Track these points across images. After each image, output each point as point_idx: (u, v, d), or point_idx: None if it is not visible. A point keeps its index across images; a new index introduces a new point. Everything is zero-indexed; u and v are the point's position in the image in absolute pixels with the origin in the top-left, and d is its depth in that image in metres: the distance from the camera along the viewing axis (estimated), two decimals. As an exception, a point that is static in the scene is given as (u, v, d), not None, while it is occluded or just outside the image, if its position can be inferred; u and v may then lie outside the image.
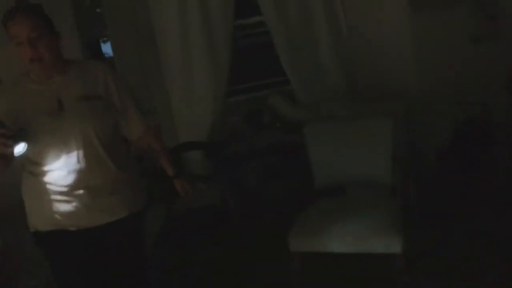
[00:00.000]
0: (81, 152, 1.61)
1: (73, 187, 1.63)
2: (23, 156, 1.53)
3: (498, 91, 3.43)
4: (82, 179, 1.63)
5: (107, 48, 4.07)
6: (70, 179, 1.62)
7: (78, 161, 1.62)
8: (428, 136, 3.37)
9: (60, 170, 1.61)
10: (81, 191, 1.64)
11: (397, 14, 3.34)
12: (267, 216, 2.99)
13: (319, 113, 3.28)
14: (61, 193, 1.63)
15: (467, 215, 2.94)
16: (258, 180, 3.11)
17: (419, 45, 3.31)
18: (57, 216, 1.65)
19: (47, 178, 1.63)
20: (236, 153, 3.23)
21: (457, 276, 2.34)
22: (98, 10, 3.88)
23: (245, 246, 2.84)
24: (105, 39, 4.09)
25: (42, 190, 1.65)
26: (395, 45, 3.41)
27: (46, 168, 1.62)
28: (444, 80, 3.38)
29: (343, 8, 3.43)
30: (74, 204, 1.64)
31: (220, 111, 3.39)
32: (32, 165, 1.65)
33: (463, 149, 3.36)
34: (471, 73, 3.39)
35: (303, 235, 2.33)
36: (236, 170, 3.12)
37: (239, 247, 2.84)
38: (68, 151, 1.60)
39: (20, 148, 1.46)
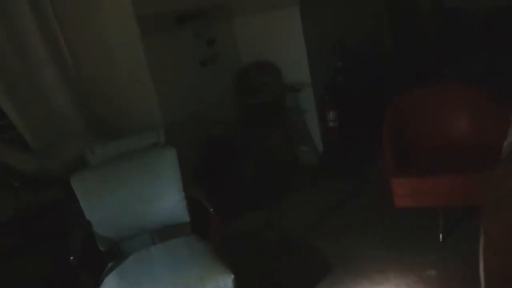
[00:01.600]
0: None
1: None
2: None
3: (232, 108, 3.76)
4: None
5: None
6: None
7: None
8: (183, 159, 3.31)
9: None
10: None
11: (128, 39, 3.11)
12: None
13: (62, 158, 2.73)
14: None
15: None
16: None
17: (156, 71, 3.19)
18: None
19: None
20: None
21: None
22: None
23: None
24: None
25: None
26: (132, 74, 3.18)
27: None
28: (184, 103, 3.40)
29: (65, 38, 2.94)
30: None
31: None
32: None
33: (213, 164, 3.49)
34: (206, 93, 3.57)
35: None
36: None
37: None
38: None
39: None
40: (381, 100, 3.16)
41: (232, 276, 1.90)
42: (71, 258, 1.94)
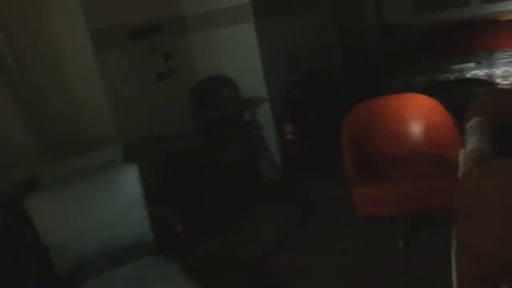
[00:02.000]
0: None
1: None
2: None
3: (190, 124, 3.71)
4: None
5: None
6: None
7: None
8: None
9: None
10: None
11: (80, 54, 3.00)
12: None
13: (12, 179, 2.58)
14: None
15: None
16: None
17: (110, 86, 3.10)
18: None
19: None
20: None
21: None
22: None
23: None
24: None
25: None
26: (86, 89, 3.07)
27: None
28: (141, 119, 3.32)
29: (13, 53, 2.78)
30: None
31: None
32: None
33: (173, 181, 3.41)
34: (163, 109, 3.51)
35: None
36: None
37: None
38: None
39: None
40: (337, 112, 3.24)
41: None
42: (28, 286, 1.82)
